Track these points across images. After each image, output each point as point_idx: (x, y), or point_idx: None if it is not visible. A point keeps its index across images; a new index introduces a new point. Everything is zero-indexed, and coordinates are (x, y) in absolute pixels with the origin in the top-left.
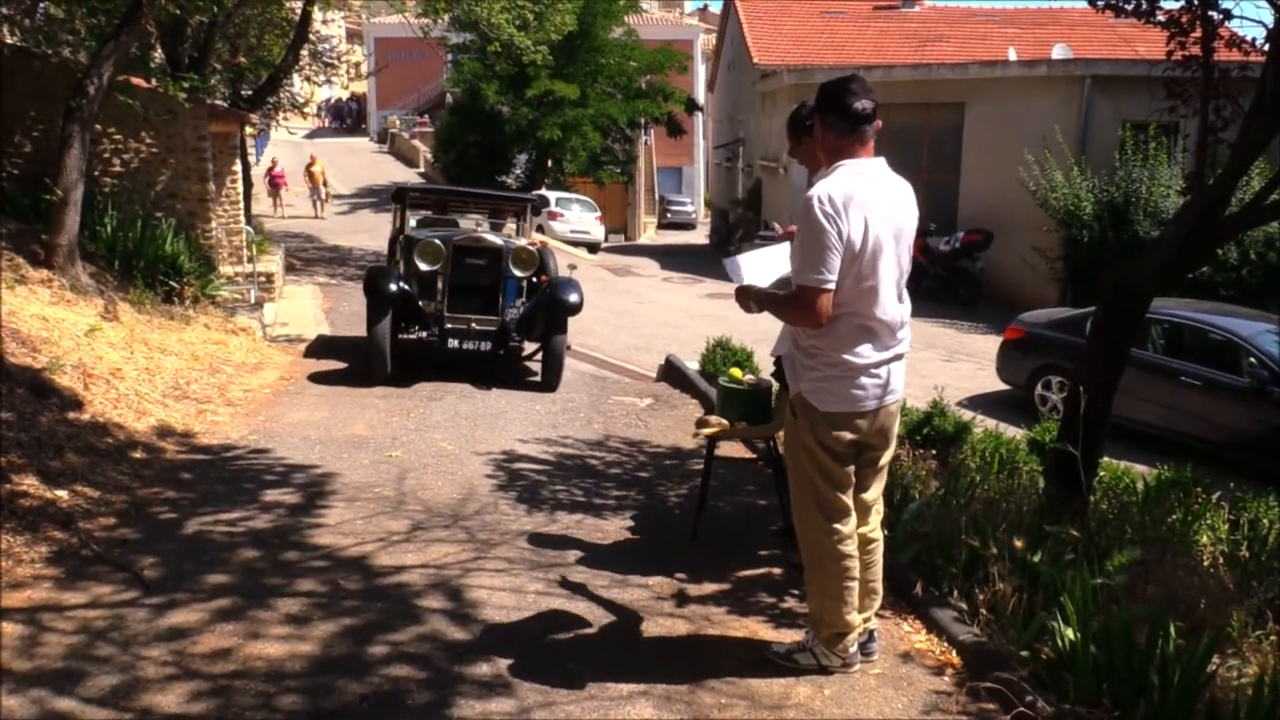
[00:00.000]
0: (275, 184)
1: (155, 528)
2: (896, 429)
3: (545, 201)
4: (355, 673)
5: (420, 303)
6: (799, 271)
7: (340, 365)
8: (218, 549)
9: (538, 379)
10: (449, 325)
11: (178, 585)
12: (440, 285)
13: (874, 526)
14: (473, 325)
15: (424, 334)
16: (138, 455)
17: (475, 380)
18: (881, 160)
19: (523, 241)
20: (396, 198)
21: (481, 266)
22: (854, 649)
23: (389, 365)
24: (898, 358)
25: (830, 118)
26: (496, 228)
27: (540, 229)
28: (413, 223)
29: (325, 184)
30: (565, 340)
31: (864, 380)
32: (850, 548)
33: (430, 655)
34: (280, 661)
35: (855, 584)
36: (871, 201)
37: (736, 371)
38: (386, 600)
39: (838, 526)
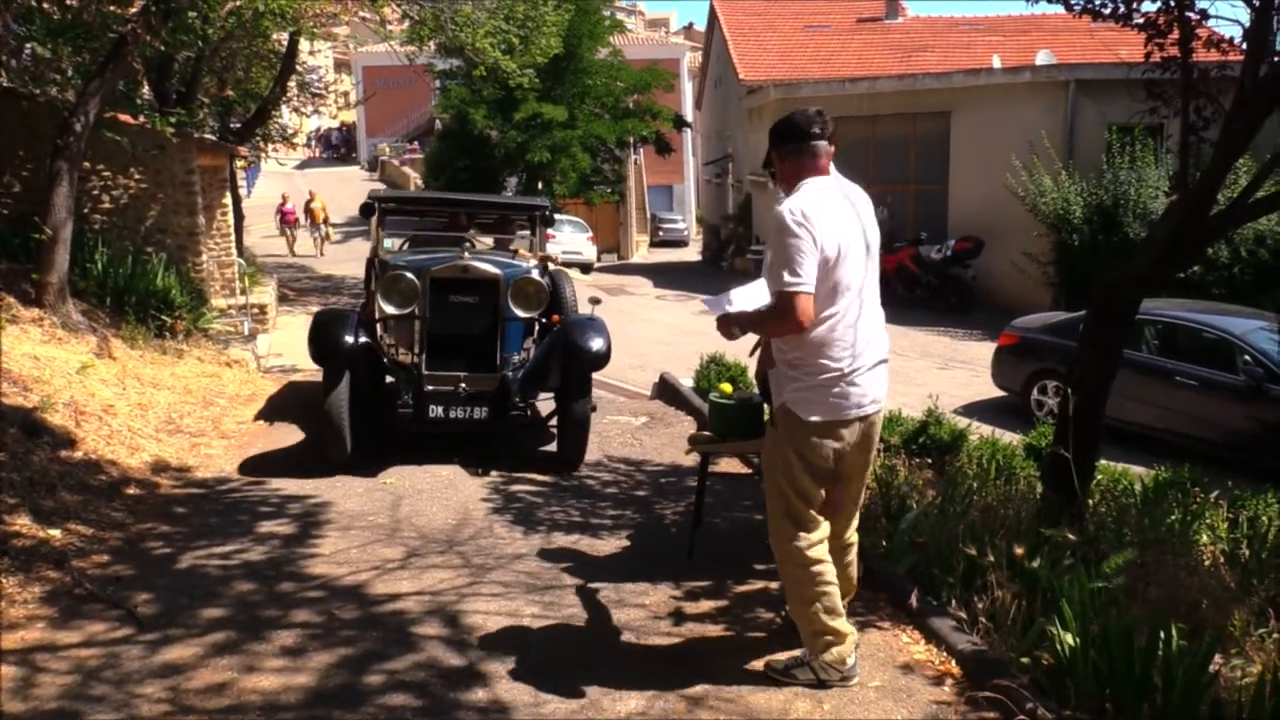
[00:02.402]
0: (287, 221)
1: (149, 563)
2: (878, 438)
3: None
4: (351, 703)
5: (389, 356)
6: (776, 280)
7: (295, 436)
8: (212, 583)
9: (552, 449)
10: (429, 388)
11: (172, 621)
12: (417, 333)
13: (852, 529)
14: (462, 387)
15: (395, 390)
16: (131, 491)
17: (467, 460)
18: (835, 173)
19: (530, 264)
20: (366, 211)
21: (471, 306)
22: (851, 661)
23: (349, 445)
24: (879, 363)
25: (784, 147)
26: (503, 244)
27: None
28: (390, 244)
29: (326, 221)
30: (590, 403)
31: (846, 388)
32: (820, 552)
33: (427, 682)
34: (276, 694)
35: (834, 588)
36: (839, 212)
37: (727, 387)
38: (382, 629)
39: (807, 535)
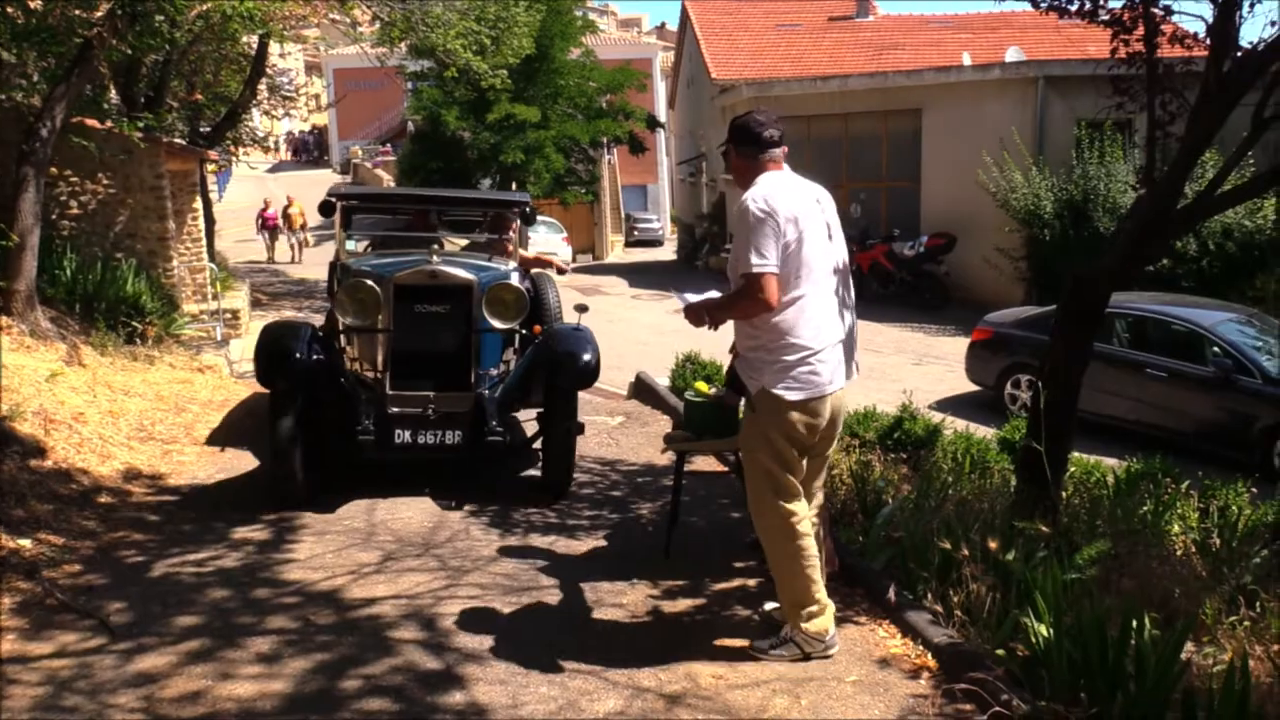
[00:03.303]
0: (269, 227)
1: (122, 572)
2: (844, 414)
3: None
4: (327, 708)
5: (350, 373)
6: (742, 264)
7: (242, 465)
8: (186, 590)
9: (537, 473)
10: (394, 410)
11: (145, 629)
12: (380, 348)
13: (817, 502)
14: (431, 409)
15: (355, 412)
16: (103, 500)
17: (439, 490)
18: (789, 172)
19: (508, 268)
20: (325, 209)
21: (441, 316)
22: (831, 631)
23: (302, 477)
24: (839, 342)
25: (743, 147)
26: (492, 247)
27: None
28: (354, 246)
29: (304, 226)
30: (577, 424)
31: (817, 365)
32: (806, 527)
33: (404, 686)
34: (251, 701)
35: (816, 560)
36: (798, 199)
37: (702, 385)
38: (358, 633)
39: (793, 508)
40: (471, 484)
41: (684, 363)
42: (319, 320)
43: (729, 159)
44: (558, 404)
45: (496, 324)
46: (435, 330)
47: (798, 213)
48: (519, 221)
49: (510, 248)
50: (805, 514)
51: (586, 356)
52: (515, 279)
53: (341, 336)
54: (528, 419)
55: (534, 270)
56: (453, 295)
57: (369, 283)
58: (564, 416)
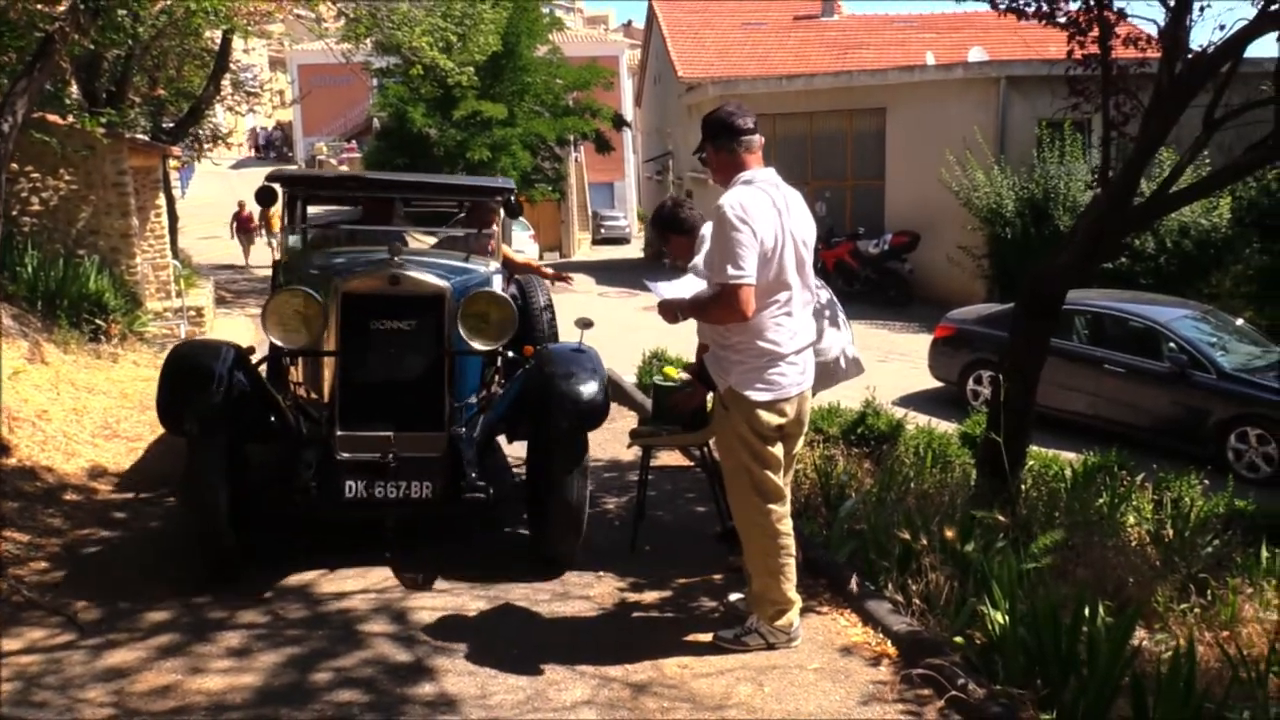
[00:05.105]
0: (245, 228)
1: (90, 569)
2: (809, 416)
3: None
4: (298, 701)
5: (285, 409)
6: (719, 271)
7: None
8: (154, 586)
9: (529, 533)
10: (344, 455)
11: (114, 625)
12: (326, 376)
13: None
14: (392, 454)
15: (295, 456)
16: (69, 497)
17: (406, 557)
18: (772, 170)
19: (489, 270)
20: (264, 198)
21: (403, 334)
22: (796, 624)
23: (232, 542)
24: (809, 345)
25: (719, 140)
26: (470, 245)
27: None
28: (295, 241)
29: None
30: (585, 474)
31: (785, 368)
32: (787, 526)
33: (374, 679)
34: (221, 695)
35: (793, 560)
36: (775, 205)
37: (672, 370)
38: (329, 627)
39: (774, 507)
40: (443, 547)
41: (650, 359)
42: None
43: (708, 160)
44: (555, 449)
45: (476, 344)
46: (397, 353)
47: (775, 217)
48: (502, 213)
49: (492, 246)
50: (786, 513)
51: (591, 388)
52: (498, 284)
53: (285, 358)
54: (517, 461)
55: (518, 276)
56: (419, 307)
57: (307, 291)
58: (568, 461)
